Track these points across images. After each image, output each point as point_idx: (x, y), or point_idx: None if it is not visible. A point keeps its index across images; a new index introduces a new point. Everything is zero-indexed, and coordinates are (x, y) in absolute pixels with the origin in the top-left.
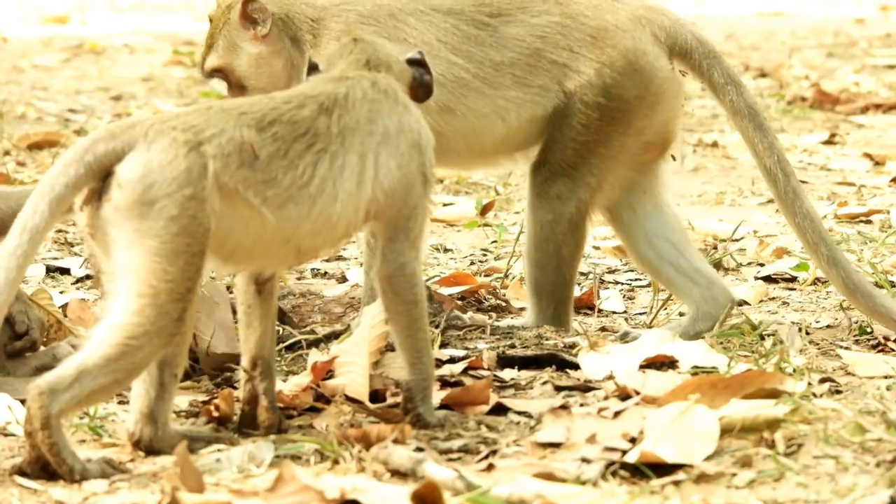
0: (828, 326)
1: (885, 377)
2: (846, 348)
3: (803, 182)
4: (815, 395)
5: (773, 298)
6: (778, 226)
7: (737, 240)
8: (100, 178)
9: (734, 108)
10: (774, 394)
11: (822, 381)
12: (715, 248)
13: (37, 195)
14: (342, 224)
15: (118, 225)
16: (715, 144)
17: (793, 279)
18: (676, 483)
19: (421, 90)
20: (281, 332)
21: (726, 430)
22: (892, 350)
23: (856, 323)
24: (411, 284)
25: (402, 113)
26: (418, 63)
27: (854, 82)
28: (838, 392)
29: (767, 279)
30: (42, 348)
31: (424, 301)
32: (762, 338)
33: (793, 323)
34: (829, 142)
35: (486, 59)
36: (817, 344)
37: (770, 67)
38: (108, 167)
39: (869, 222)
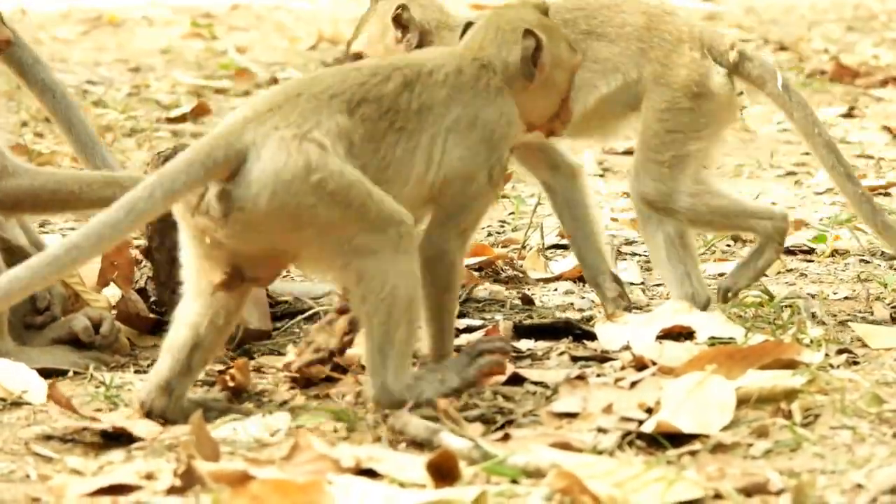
0: (845, 298)
1: None
2: (864, 320)
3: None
4: (832, 366)
5: (791, 270)
6: (796, 198)
7: None
8: (210, 184)
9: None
10: (791, 364)
11: (840, 352)
12: None
13: (154, 182)
14: (407, 207)
15: (265, 230)
16: None
17: (811, 251)
18: (693, 453)
19: (525, 68)
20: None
21: (743, 401)
22: None
23: (872, 295)
24: (448, 272)
25: (482, 107)
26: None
27: (873, 56)
28: (855, 363)
29: (786, 251)
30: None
31: (458, 289)
32: (780, 309)
33: (809, 295)
34: (849, 115)
35: None
36: (834, 315)
37: (789, 41)
38: (223, 175)
39: (888, 195)
